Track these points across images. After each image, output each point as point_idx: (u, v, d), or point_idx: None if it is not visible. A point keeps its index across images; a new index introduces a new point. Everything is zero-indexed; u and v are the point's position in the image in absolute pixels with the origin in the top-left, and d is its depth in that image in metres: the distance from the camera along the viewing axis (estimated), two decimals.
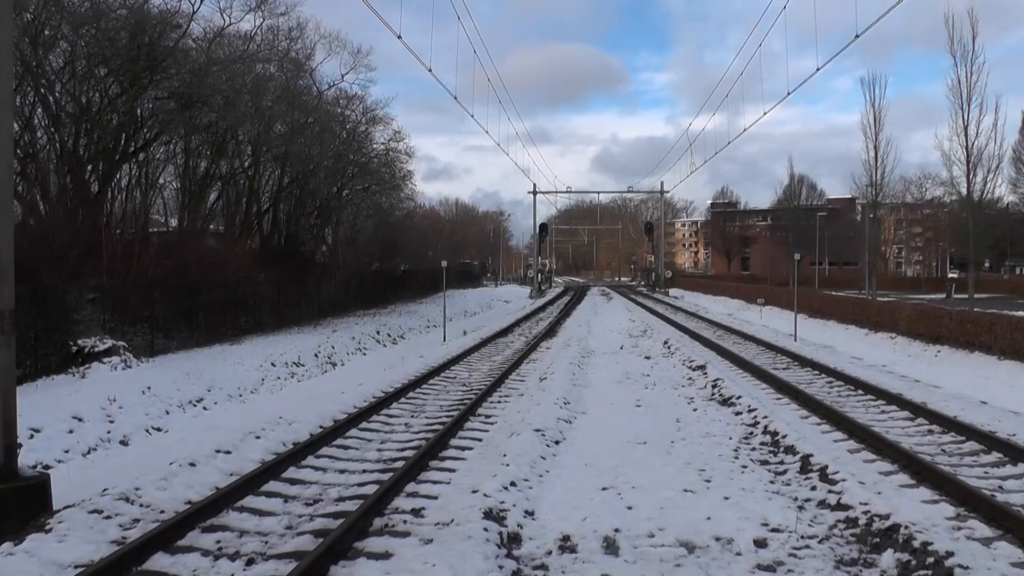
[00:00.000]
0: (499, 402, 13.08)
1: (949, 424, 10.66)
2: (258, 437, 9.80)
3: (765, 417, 10.92)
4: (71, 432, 11.58)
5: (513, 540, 6.47)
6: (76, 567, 5.78)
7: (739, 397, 12.61)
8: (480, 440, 10.15)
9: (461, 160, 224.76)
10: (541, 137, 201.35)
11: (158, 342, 20.59)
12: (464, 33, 35.82)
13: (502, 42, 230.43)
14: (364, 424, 11.17)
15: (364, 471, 8.76)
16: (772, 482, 8.21)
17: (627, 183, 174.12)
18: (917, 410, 11.69)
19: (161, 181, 29.41)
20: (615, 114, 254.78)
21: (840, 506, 7.20)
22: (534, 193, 69.23)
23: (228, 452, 9.04)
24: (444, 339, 25.63)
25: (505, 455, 8.84)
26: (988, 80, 33.94)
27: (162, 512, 7.06)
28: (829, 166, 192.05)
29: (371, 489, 7.77)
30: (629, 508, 7.33)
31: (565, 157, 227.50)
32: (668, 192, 76.14)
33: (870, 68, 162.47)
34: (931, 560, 5.77)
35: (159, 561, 6.01)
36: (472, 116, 28.24)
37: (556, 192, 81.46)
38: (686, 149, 45.15)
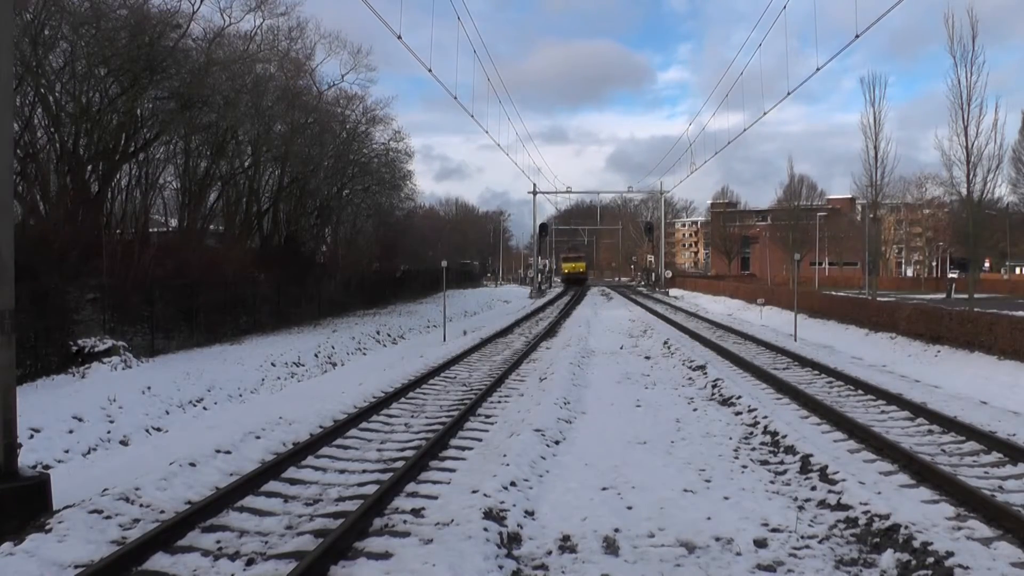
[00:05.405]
0: (499, 402, 13.07)
1: (949, 424, 10.65)
2: (258, 437, 9.80)
3: (765, 417, 10.92)
4: (71, 432, 11.58)
5: (513, 540, 6.46)
6: (76, 567, 5.78)
7: (739, 397, 12.61)
8: (480, 440, 10.15)
9: (474, 160, 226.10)
10: (558, 136, 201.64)
11: (158, 342, 20.58)
12: (465, 34, 35.82)
13: (527, 39, 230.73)
14: (364, 424, 11.17)
15: (364, 471, 8.76)
16: (772, 482, 8.20)
17: (640, 182, 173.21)
18: (917, 410, 11.69)
19: (161, 181, 29.45)
20: (634, 112, 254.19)
21: (840, 506, 7.19)
22: (534, 193, 69.33)
23: (228, 452, 9.04)
24: (444, 339, 25.63)
25: (505, 455, 8.84)
26: (988, 80, 33.76)
27: (162, 512, 7.06)
28: (844, 164, 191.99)
29: (371, 489, 7.77)
30: (629, 508, 7.33)
31: (580, 156, 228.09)
32: (668, 192, 76.21)
33: (871, 69, 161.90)
34: (931, 560, 5.77)
35: (159, 561, 6.01)
36: (472, 116, 28.28)
37: (556, 192, 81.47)
38: (686, 149, 45.19)
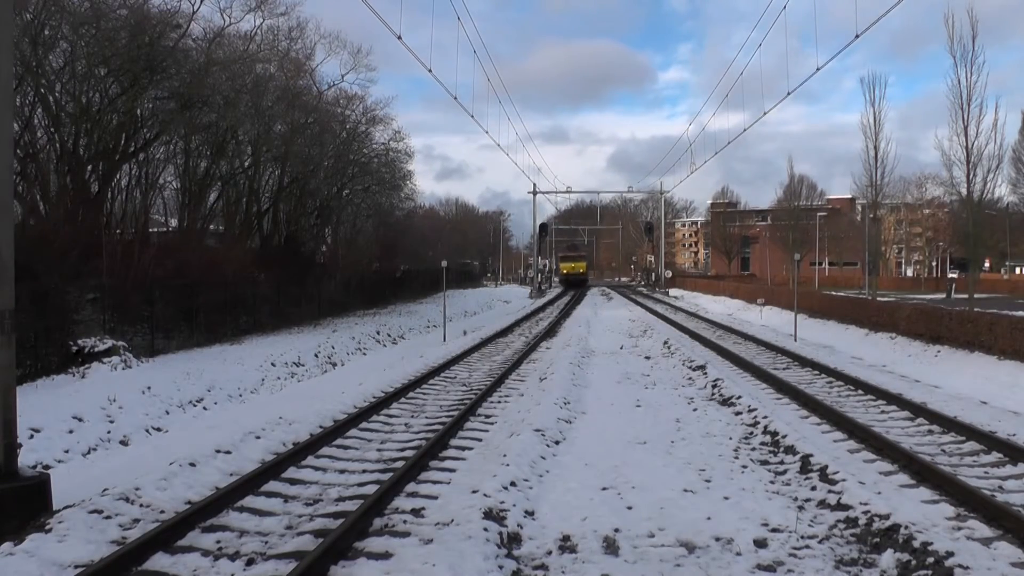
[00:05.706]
0: (499, 402, 13.07)
1: (949, 424, 10.65)
2: (258, 437, 9.79)
3: (765, 417, 10.92)
4: (71, 432, 11.59)
5: (513, 540, 6.46)
6: (76, 567, 5.78)
7: (739, 397, 12.61)
8: (480, 440, 10.15)
9: (474, 160, 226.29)
10: (558, 136, 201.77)
11: (158, 342, 20.58)
12: (465, 34, 35.79)
13: (527, 39, 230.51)
14: (364, 424, 11.17)
15: (364, 471, 8.76)
16: (772, 482, 8.20)
17: (640, 182, 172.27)
18: (917, 410, 11.69)
19: (161, 181, 29.45)
20: (634, 112, 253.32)
21: (840, 506, 7.19)
22: (534, 193, 69.38)
23: (228, 452, 9.04)
24: (444, 339, 25.63)
25: (505, 455, 8.84)
26: (988, 80, 33.68)
27: (162, 512, 7.06)
28: (844, 164, 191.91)
29: (371, 489, 7.77)
30: (629, 508, 7.33)
31: (581, 156, 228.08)
32: (668, 192, 76.22)
33: (871, 68, 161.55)
34: (931, 560, 5.77)
35: (159, 561, 6.01)
36: (472, 116, 28.29)
37: (556, 192, 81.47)
38: (686, 149, 45.22)
